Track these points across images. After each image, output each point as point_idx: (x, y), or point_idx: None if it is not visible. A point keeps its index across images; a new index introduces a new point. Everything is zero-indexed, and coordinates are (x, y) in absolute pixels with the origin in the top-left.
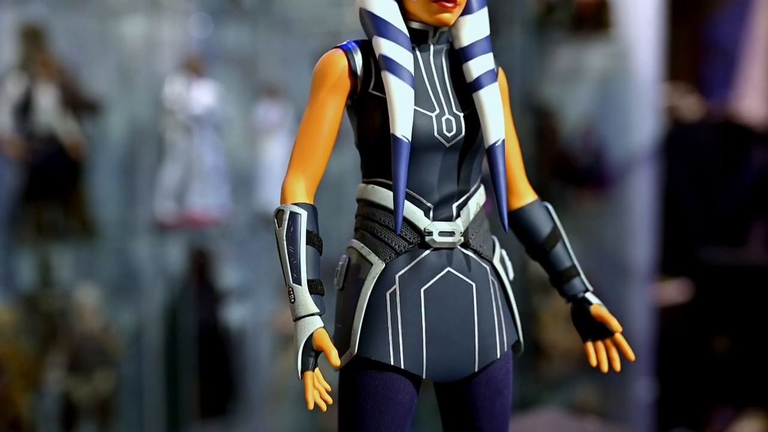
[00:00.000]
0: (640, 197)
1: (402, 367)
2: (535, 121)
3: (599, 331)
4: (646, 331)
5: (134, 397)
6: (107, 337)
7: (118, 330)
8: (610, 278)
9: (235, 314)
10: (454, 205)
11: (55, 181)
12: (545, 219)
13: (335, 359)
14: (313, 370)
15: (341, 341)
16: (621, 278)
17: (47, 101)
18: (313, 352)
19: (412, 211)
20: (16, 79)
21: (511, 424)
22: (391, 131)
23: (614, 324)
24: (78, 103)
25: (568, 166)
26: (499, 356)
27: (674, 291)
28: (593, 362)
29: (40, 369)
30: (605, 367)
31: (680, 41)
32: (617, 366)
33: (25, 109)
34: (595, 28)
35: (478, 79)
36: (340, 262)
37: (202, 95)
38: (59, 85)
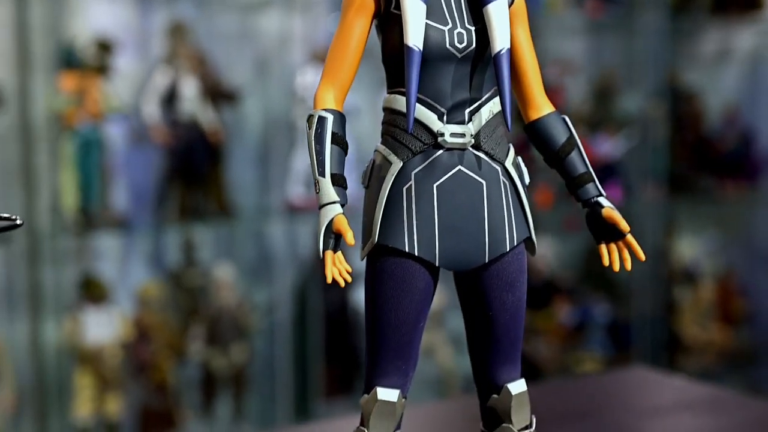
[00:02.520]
0: None
1: (416, 254)
2: (673, 105)
3: (612, 233)
4: None
5: (266, 371)
6: (242, 313)
7: (252, 306)
8: (760, 273)
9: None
10: (467, 111)
11: (196, 166)
12: (562, 129)
13: (350, 239)
14: (335, 252)
15: (366, 233)
16: None
17: (190, 91)
18: (333, 235)
19: (426, 116)
20: (163, 72)
21: (599, 380)
22: (404, 42)
23: (623, 225)
24: (217, 93)
25: (711, 153)
26: (508, 249)
27: None
28: (605, 262)
29: (183, 340)
30: (617, 267)
31: None
32: (628, 265)
33: (170, 98)
34: (743, 9)
35: None
36: (367, 164)
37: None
38: (201, 76)
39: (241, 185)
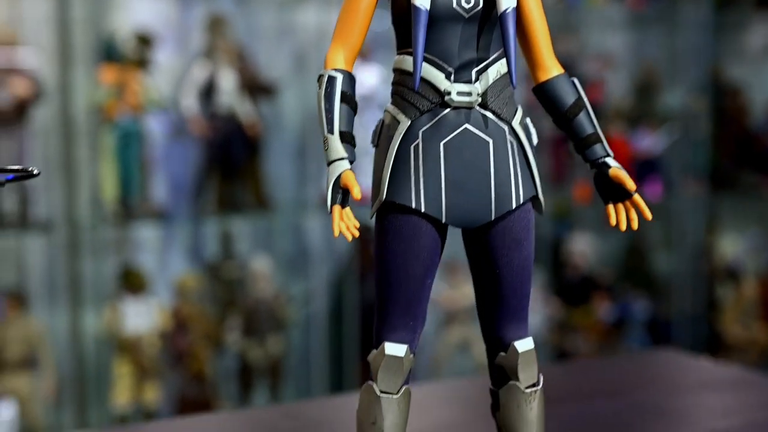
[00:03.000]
0: None
1: (423, 210)
2: (716, 100)
3: (619, 193)
4: None
5: (302, 362)
6: (279, 305)
7: (288, 298)
8: None
9: None
10: (474, 70)
11: (234, 158)
12: (570, 91)
13: (357, 193)
14: (343, 207)
15: (374, 191)
16: None
17: (228, 84)
18: (340, 190)
19: (434, 75)
20: (201, 65)
21: (626, 362)
22: (411, 1)
23: (630, 184)
24: (255, 87)
25: (755, 148)
26: (514, 206)
27: None
28: (613, 222)
29: (221, 331)
30: (623, 226)
31: None
32: (635, 224)
33: (208, 91)
34: None
35: None
36: (376, 124)
37: (367, 77)
38: (239, 69)
39: (278, 178)
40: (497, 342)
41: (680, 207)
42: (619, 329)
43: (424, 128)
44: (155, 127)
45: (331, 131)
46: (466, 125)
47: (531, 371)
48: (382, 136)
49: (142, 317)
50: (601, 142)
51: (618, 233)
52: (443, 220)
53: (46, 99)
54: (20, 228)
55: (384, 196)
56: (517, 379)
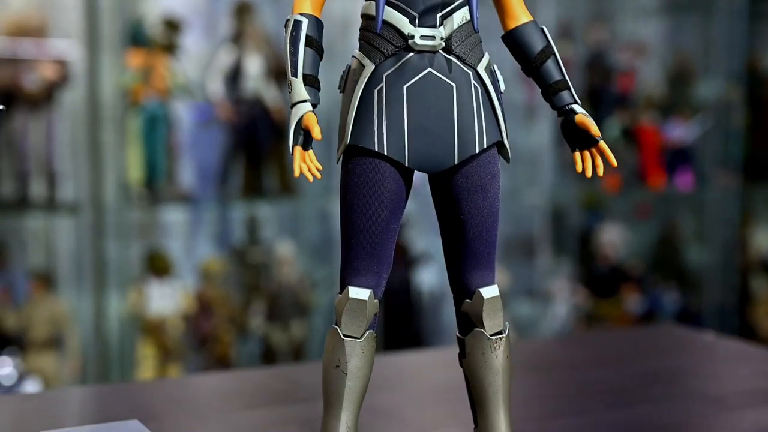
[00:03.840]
0: None
1: (385, 153)
2: (751, 90)
3: (586, 140)
4: None
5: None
6: (303, 290)
7: (312, 284)
8: None
9: (427, 277)
10: (438, 15)
11: (260, 143)
12: (539, 38)
13: (317, 134)
14: (305, 149)
15: (340, 135)
16: None
17: (254, 69)
18: (302, 131)
19: (398, 19)
20: (228, 50)
21: (628, 335)
22: None
23: (594, 130)
24: (281, 72)
25: None
26: (477, 151)
27: None
28: (579, 169)
29: (245, 315)
30: (589, 173)
31: None
32: (600, 171)
33: (235, 76)
34: None
35: None
36: (343, 70)
37: None
38: (265, 55)
39: None
40: (463, 289)
41: (713, 198)
42: (648, 321)
43: (388, 72)
44: (183, 114)
45: (294, 74)
46: (430, 69)
47: (496, 318)
48: (348, 81)
49: (166, 300)
50: (569, 89)
51: (649, 224)
52: (406, 164)
53: (73, 83)
54: (48, 210)
55: (348, 140)
56: (482, 326)
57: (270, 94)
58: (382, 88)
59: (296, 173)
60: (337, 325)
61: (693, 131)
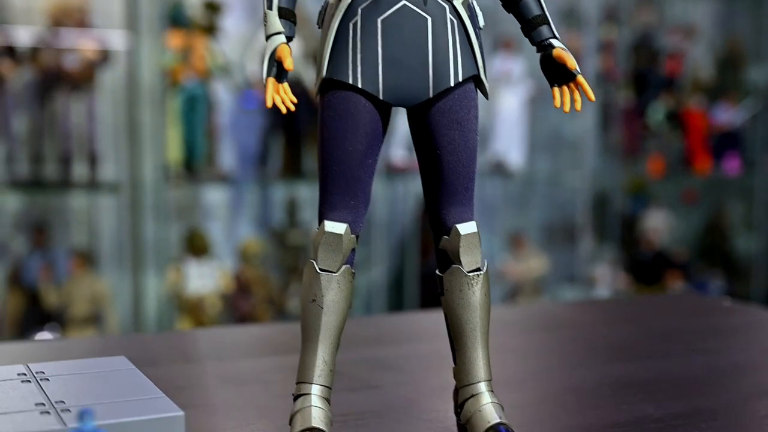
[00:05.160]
0: None
1: (359, 86)
2: None
3: (564, 75)
4: None
5: None
6: None
7: None
8: None
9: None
10: None
11: (298, 125)
12: None
13: (289, 64)
14: (279, 81)
15: (317, 69)
16: None
17: (294, 51)
18: (276, 63)
19: None
20: None
21: (647, 302)
22: None
23: (571, 63)
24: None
25: None
26: (452, 84)
27: None
28: (557, 104)
29: (283, 296)
30: (567, 108)
31: None
32: (578, 106)
33: None
34: None
35: None
36: (321, 5)
37: None
38: (303, 37)
39: None
40: (441, 226)
41: (762, 183)
42: None
43: (363, 5)
44: (224, 96)
45: (269, 7)
46: (405, 2)
47: (474, 255)
48: (325, 17)
49: (204, 279)
50: (548, 23)
51: (696, 210)
52: (380, 96)
53: (114, 63)
54: (90, 189)
55: (324, 73)
56: (459, 262)
57: (308, 76)
58: (357, 21)
59: (269, 103)
60: (313, 259)
61: (741, 115)
